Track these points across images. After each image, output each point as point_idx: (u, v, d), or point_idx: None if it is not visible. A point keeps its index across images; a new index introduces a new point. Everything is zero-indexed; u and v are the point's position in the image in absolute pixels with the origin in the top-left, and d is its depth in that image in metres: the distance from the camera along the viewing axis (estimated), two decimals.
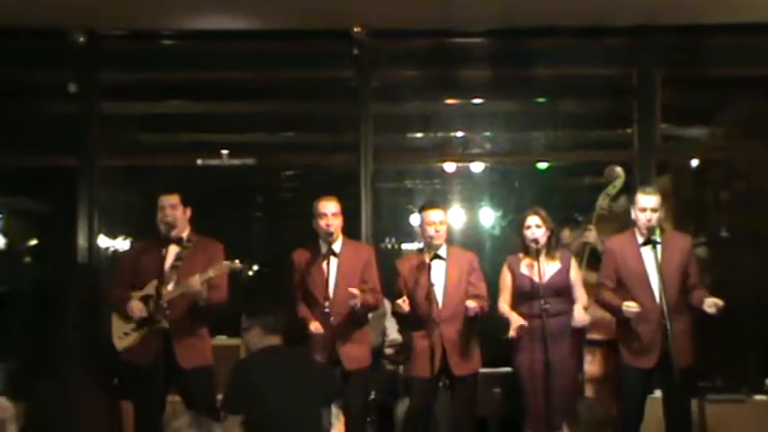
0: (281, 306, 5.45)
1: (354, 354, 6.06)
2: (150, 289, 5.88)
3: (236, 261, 5.79)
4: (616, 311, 5.88)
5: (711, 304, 5.69)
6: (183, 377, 5.83)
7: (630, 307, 5.75)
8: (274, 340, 5.18)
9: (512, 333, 5.93)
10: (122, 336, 5.94)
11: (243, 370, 5.10)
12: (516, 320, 5.94)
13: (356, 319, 6.10)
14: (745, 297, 7.91)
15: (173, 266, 5.89)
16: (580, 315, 5.96)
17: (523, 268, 6.07)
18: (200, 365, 5.89)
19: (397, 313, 6.30)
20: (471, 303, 5.92)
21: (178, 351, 5.81)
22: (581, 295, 6.10)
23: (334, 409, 6.09)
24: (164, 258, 5.90)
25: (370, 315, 6.61)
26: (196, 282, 5.68)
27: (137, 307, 5.82)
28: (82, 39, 7.50)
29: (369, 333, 6.33)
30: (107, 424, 6.60)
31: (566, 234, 7.04)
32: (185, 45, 7.86)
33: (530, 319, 5.94)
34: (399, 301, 5.97)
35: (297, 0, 6.95)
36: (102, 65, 7.76)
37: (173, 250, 5.95)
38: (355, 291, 5.92)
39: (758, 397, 6.87)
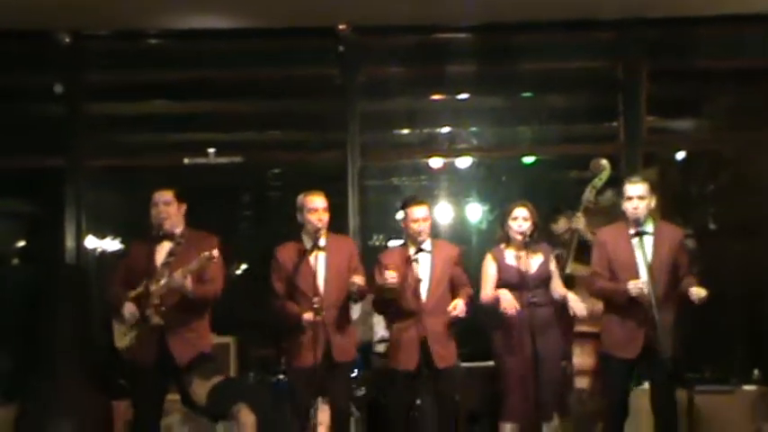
0: None
1: (345, 346, 6.08)
2: (143, 287, 5.88)
3: (214, 251, 5.71)
4: (618, 293, 5.85)
5: (696, 294, 5.70)
6: (180, 373, 5.83)
7: (636, 284, 5.73)
8: None
9: (509, 310, 5.87)
10: (122, 335, 5.94)
11: None
12: (506, 295, 5.92)
13: (344, 313, 6.13)
14: (733, 288, 7.94)
15: (165, 263, 5.87)
16: (579, 305, 5.95)
17: (510, 259, 6.08)
18: (198, 354, 5.87)
19: (378, 306, 6.29)
20: (459, 304, 5.93)
21: (174, 346, 5.80)
22: (558, 285, 6.13)
23: (321, 404, 6.10)
24: (155, 255, 5.91)
25: (355, 311, 6.63)
26: (180, 275, 5.69)
27: (128, 310, 5.81)
28: (67, 39, 7.50)
29: (354, 328, 6.35)
30: (97, 423, 6.63)
31: (561, 223, 7.05)
32: (171, 44, 7.86)
33: (516, 310, 5.95)
34: (388, 273, 5.95)
35: None
36: (88, 65, 7.76)
37: (165, 247, 5.94)
38: (357, 279, 5.97)
39: (746, 387, 6.89)
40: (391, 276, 5.94)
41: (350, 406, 6.34)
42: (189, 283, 5.70)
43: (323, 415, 6.16)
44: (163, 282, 5.78)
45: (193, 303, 5.86)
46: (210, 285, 5.88)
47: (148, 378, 5.82)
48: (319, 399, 6.05)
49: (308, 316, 5.92)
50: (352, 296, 6.09)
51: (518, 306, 5.88)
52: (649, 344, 5.72)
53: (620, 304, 5.85)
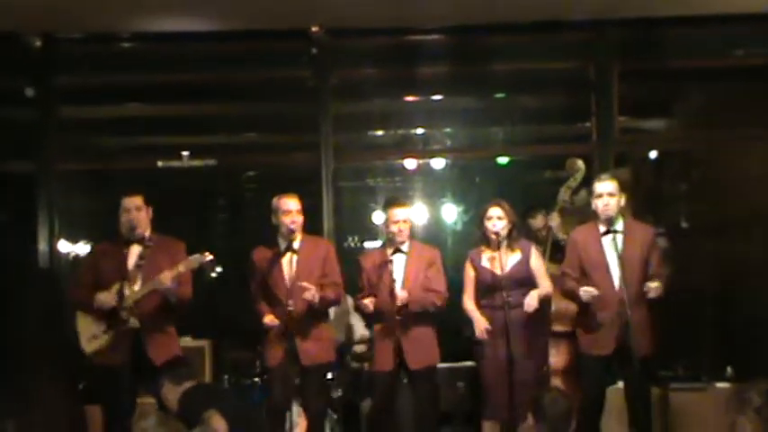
0: None
1: (312, 350, 6.04)
2: (115, 291, 5.85)
3: (206, 253, 5.76)
4: (576, 296, 5.92)
5: (648, 288, 5.74)
6: (154, 375, 5.80)
7: (588, 291, 5.78)
8: None
9: (478, 334, 5.97)
10: (91, 339, 5.91)
11: None
12: (480, 322, 5.98)
13: (315, 315, 6.08)
14: (705, 286, 8.01)
15: (137, 266, 5.89)
16: (530, 299, 5.96)
17: (484, 261, 6.11)
18: (171, 357, 5.86)
19: (359, 309, 6.32)
20: (399, 300, 5.96)
21: (150, 349, 5.81)
22: (544, 282, 6.14)
23: (296, 408, 6.10)
24: (126, 258, 5.90)
25: (332, 311, 6.62)
26: (167, 278, 5.69)
27: (105, 297, 5.78)
28: (38, 42, 7.45)
29: (329, 330, 6.33)
30: (70, 428, 6.59)
31: (539, 219, 7.08)
32: (143, 47, 7.82)
33: (492, 312, 5.98)
34: (366, 301, 6.00)
35: (254, 1, 6.93)
36: (59, 68, 7.71)
37: (135, 250, 5.95)
38: (306, 284, 5.91)
39: (719, 384, 6.95)
40: (370, 302, 6.02)
41: (324, 409, 6.32)
42: (176, 286, 5.75)
43: (300, 418, 6.16)
44: (137, 285, 5.78)
45: (168, 307, 5.87)
46: (182, 289, 5.90)
47: (120, 380, 5.81)
48: (295, 402, 6.04)
49: (268, 320, 5.92)
50: (320, 307, 6.07)
51: (488, 327, 5.95)
52: (623, 342, 5.75)
53: (593, 303, 5.88)
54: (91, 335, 5.91)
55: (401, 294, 5.96)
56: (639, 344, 5.68)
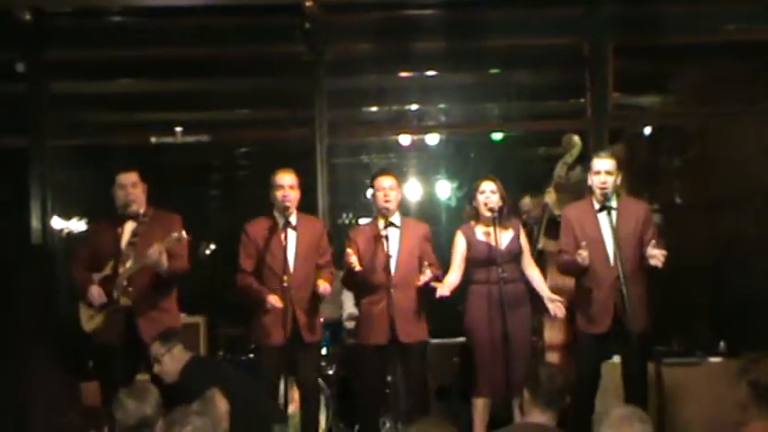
0: None
1: (312, 326, 6.03)
2: (110, 269, 5.85)
3: (183, 232, 5.70)
4: (574, 268, 5.91)
5: (651, 254, 5.75)
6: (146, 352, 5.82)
7: (582, 254, 5.75)
8: None
9: (441, 291, 5.92)
10: (89, 319, 5.92)
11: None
12: (450, 282, 5.99)
13: (312, 293, 6.06)
14: (699, 262, 8.02)
15: (130, 243, 5.87)
16: (560, 310, 6.01)
17: (480, 235, 6.09)
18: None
19: (348, 283, 6.29)
20: (424, 277, 5.92)
21: (142, 326, 5.79)
22: (529, 260, 6.16)
23: (291, 383, 6.11)
24: (120, 236, 5.88)
25: None
26: (154, 251, 5.65)
27: (96, 293, 5.78)
28: (28, 17, 7.39)
29: (323, 307, 6.33)
30: (64, 404, 6.59)
31: (526, 201, 7.08)
32: (135, 22, 7.77)
33: (487, 286, 5.97)
34: (352, 259, 5.94)
35: None
36: (50, 43, 7.65)
37: (129, 227, 5.92)
38: (327, 286, 5.93)
39: (712, 359, 6.97)
40: (351, 261, 5.94)
41: (318, 384, 6.33)
42: (164, 259, 5.70)
43: (293, 394, 6.16)
44: (129, 263, 5.77)
45: (161, 282, 5.86)
46: (178, 262, 5.87)
47: (117, 359, 5.80)
48: (289, 378, 6.04)
49: (273, 300, 5.88)
50: (320, 297, 6.06)
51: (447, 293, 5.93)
52: (619, 318, 5.76)
53: (589, 280, 5.88)
54: (89, 315, 5.91)
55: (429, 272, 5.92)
56: (636, 320, 5.69)
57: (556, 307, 6.04)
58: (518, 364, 5.78)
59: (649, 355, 6.23)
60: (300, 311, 5.96)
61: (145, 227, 5.91)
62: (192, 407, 3.88)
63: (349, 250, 5.99)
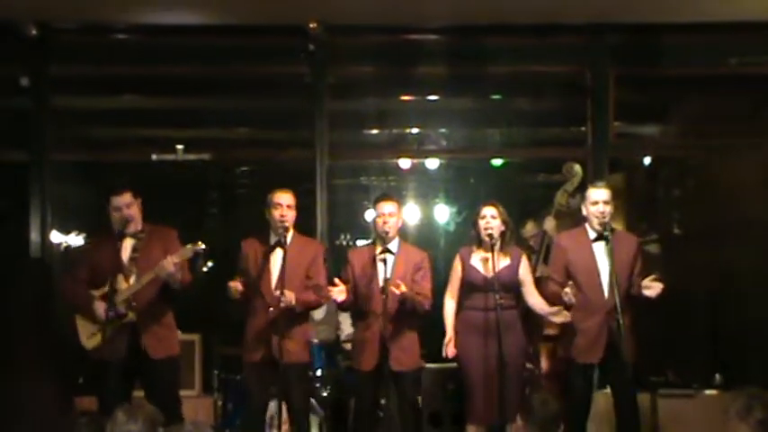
0: None
1: (292, 348, 5.99)
2: (110, 284, 5.84)
3: (199, 242, 5.76)
4: (560, 301, 5.90)
5: (648, 285, 5.74)
6: (150, 368, 5.84)
7: (568, 293, 5.77)
8: None
9: (446, 351, 5.99)
10: (90, 336, 5.91)
11: None
12: (449, 336, 6.00)
13: (296, 314, 6.03)
14: (696, 293, 8.02)
15: (131, 259, 5.89)
16: (559, 316, 5.96)
17: (474, 261, 6.08)
18: (168, 356, 5.95)
19: (343, 307, 6.29)
20: (399, 290, 5.88)
21: (147, 342, 5.83)
22: (532, 290, 6.11)
23: (274, 406, 6.10)
24: (119, 253, 5.88)
25: (322, 311, 6.61)
26: (169, 264, 5.67)
27: (102, 310, 5.77)
28: (34, 32, 7.42)
29: (309, 328, 6.31)
30: (59, 419, 6.58)
31: (529, 227, 7.09)
32: (139, 39, 7.79)
33: (480, 313, 5.96)
34: (334, 289, 5.96)
35: None
36: (55, 58, 7.68)
37: (128, 243, 5.93)
38: (287, 292, 5.86)
39: (708, 392, 6.97)
40: (337, 291, 5.96)
41: (307, 406, 6.30)
42: (179, 272, 5.76)
43: (284, 415, 6.15)
44: (132, 278, 5.78)
45: (164, 298, 5.89)
46: (184, 274, 5.93)
47: (116, 374, 5.77)
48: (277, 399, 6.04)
49: (232, 285, 5.90)
50: (297, 310, 6.04)
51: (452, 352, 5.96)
52: (612, 349, 5.74)
53: (581, 309, 5.87)
54: (90, 332, 5.91)
55: (396, 290, 5.89)
56: (629, 351, 5.68)
57: (563, 317, 5.95)
58: (511, 390, 5.77)
59: (644, 386, 6.23)
60: (280, 332, 5.91)
61: (143, 242, 5.94)
62: (187, 427, 3.88)
63: (337, 280, 6.01)
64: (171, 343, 5.99)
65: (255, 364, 6.01)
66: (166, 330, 5.98)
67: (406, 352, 6.05)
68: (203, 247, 5.78)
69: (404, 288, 5.90)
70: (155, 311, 5.89)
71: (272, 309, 5.89)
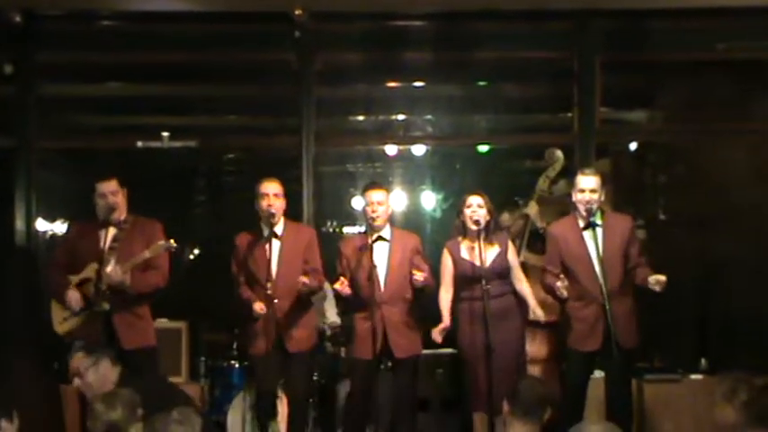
0: None
1: (298, 336, 6.04)
2: (89, 272, 5.88)
3: (171, 241, 5.77)
4: (554, 293, 5.92)
5: (655, 282, 5.76)
6: (126, 359, 5.79)
7: (558, 288, 5.78)
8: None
9: (435, 335, 5.98)
10: (62, 320, 5.91)
11: None
12: (444, 323, 6.00)
13: (300, 301, 6.08)
14: (682, 279, 8.03)
15: (111, 248, 5.87)
16: (538, 311, 6.02)
17: (464, 252, 6.08)
18: (144, 346, 5.94)
19: (339, 294, 6.31)
20: (418, 274, 5.93)
21: (120, 332, 5.83)
22: (520, 275, 6.14)
23: (279, 392, 6.11)
24: (100, 241, 5.88)
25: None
26: (117, 273, 5.67)
27: (74, 299, 5.78)
28: (18, 18, 7.37)
29: (313, 315, 6.33)
30: (46, 408, 6.58)
31: (505, 217, 7.10)
32: (125, 26, 7.75)
33: (472, 302, 5.96)
34: (337, 285, 5.97)
35: None
36: (40, 45, 7.63)
37: (110, 232, 5.94)
38: (305, 279, 5.91)
39: (693, 376, 7.00)
40: (341, 285, 5.97)
41: (308, 395, 6.32)
42: (128, 278, 5.73)
43: (281, 403, 6.16)
44: (110, 267, 5.78)
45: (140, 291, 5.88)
46: (157, 273, 5.91)
47: None
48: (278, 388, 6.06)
49: (258, 307, 5.90)
50: (303, 295, 6.05)
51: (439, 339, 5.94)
52: (608, 336, 5.75)
53: (577, 297, 5.89)
54: (62, 317, 5.91)
55: (419, 277, 5.92)
56: (623, 336, 5.70)
57: (537, 312, 6.02)
58: (502, 378, 5.70)
59: (634, 372, 6.25)
60: (285, 322, 5.95)
61: (125, 233, 5.94)
62: (173, 415, 3.87)
63: (342, 278, 6.01)
64: (145, 333, 5.97)
65: (257, 357, 6.03)
66: (140, 321, 5.96)
67: (407, 338, 6.07)
68: (175, 245, 5.79)
69: (419, 276, 5.93)
70: (130, 302, 5.89)
71: (276, 300, 5.89)
